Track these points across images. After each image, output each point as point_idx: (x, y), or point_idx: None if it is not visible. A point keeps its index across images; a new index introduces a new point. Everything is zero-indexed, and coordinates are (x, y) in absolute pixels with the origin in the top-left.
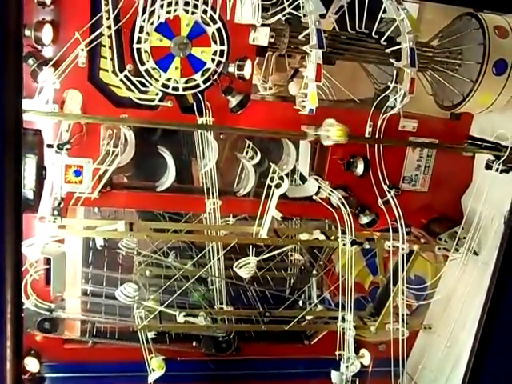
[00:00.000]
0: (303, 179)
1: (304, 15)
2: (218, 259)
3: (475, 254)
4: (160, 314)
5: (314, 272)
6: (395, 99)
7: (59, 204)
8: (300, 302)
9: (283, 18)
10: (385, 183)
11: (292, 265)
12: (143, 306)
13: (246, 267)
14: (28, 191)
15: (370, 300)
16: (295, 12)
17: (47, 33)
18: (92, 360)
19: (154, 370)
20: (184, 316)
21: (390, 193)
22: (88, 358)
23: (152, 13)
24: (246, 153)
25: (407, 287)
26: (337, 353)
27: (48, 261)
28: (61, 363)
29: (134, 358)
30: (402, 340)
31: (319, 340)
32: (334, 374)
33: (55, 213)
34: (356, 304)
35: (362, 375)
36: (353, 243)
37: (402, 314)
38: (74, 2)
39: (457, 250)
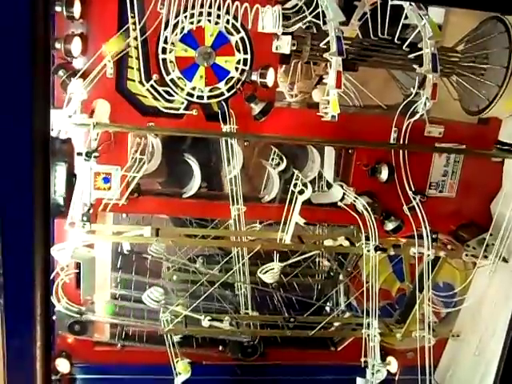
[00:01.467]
0: (329, 185)
1: (324, 23)
2: (243, 264)
3: (504, 260)
4: (186, 318)
5: (341, 278)
6: (420, 104)
7: (88, 210)
8: (328, 309)
9: (304, 27)
10: (410, 189)
11: (318, 271)
12: (169, 310)
13: (270, 273)
14: (59, 197)
15: (397, 307)
16: (315, 20)
17: (76, 45)
18: (121, 362)
19: (179, 374)
20: (209, 320)
21: (415, 199)
22: (117, 360)
23: (176, 24)
24: (272, 159)
25: (435, 294)
26: (362, 360)
27: (78, 265)
28: (91, 365)
29: (161, 361)
30: (429, 348)
31: (346, 346)
32: (359, 381)
33: (84, 218)
34: (383, 311)
35: (388, 383)
36: (376, 249)
37: (429, 322)
38: (101, 15)
39: (485, 257)
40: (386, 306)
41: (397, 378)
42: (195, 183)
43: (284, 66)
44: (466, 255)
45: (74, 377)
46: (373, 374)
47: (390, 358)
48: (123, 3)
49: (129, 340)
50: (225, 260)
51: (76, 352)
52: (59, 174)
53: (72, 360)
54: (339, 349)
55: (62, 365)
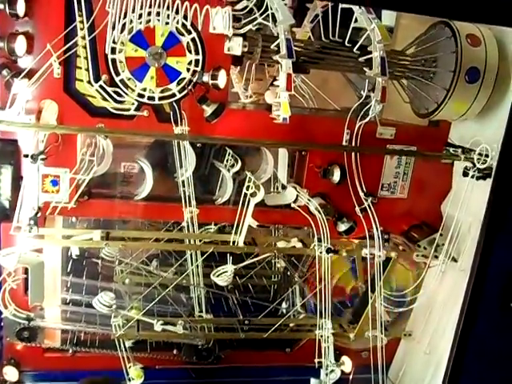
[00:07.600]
0: (283, 187)
1: (275, 25)
2: (197, 267)
3: (454, 260)
4: (138, 323)
5: (297, 279)
6: (370, 107)
7: (36, 213)
8: (284, 310)
9: (254, 28)
10: (362, 191)
11: (273, 272)
12: (121, 314)
13: (224, 275)
14: (4, 201)
15: (349, 304)
16: (265, 22)
17: (20, 44)
18: (72, 369)
19: (132, 379)
20: (161, 324)
21: (366, 200)
22: (68, 367)
23: (125, 24)
24: (227, 161)
25: (388, 295)
26: (316, 360)
27: (26, 270)
28: (41, 372)
29: (114, 366)
30: (382, 347)
31: (301, 347)
32: (313, 382)
33: (31, 222)
34: (337, 309)
35: (343, 383)
36: (328, 251)
37: (381, 321)
38: (47, 13)
39: (436, 257)
40: (337, 304)
41: (351, 377)
42: (147, 185)
43: (239, 67)
44: (417, 255)
45: None
46: (326, 374)
47: (344, 358)
48: (70, 1)
49: (80, 346)
50: (178, 262)
51: (25, 359)
52: (4, 176)
53: (21, 367)
54: (294, 350)
55: (10, 373)
